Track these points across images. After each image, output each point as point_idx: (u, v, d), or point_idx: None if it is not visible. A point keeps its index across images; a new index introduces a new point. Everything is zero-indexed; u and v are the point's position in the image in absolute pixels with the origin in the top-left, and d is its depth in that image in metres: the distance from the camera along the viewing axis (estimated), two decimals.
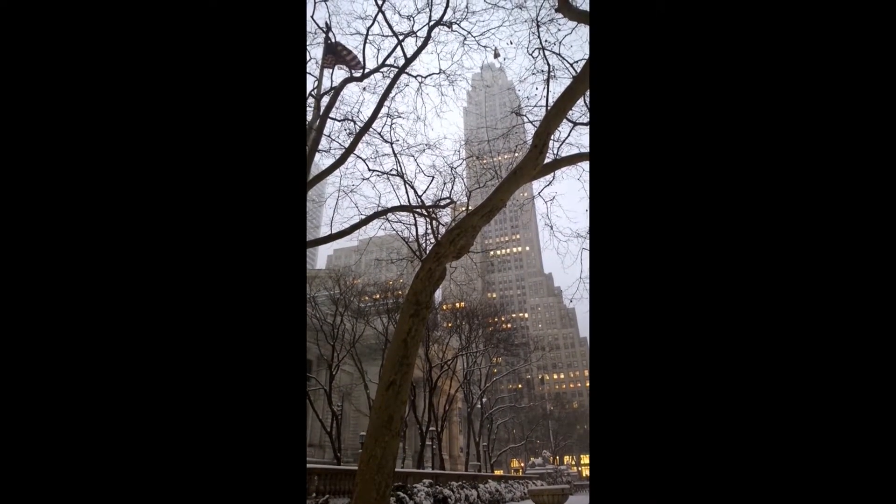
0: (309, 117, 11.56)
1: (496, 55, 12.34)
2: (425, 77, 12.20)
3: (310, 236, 15.71)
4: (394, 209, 12.83)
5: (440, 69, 12.09)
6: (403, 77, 11.66)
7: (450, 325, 35.65)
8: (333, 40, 12.12)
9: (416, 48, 11.36)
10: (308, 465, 12.66)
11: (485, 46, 11.79)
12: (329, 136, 12.48)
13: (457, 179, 13.82)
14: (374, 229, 13.35)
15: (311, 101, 11.98)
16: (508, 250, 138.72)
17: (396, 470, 5.69)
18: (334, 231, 11.86)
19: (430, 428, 29.61)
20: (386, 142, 12.49)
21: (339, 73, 12.57)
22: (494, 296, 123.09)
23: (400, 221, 13.96)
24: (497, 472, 44.48)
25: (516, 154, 13.66)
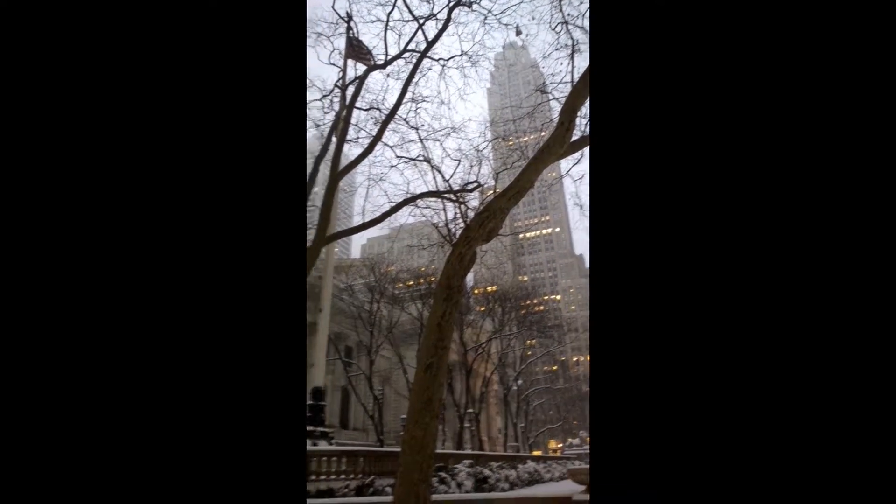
0: (336, 108, 11.67)
1: (518, 33, 12.08)
2: (447, 60, 12.09)
3: (342, 226, 15.99)
4: (422, 195, 12.90)
5: (462, 51, 11.95)
6: (426, 61, 11.60)
7: (482, 308, 35.76)
8: (356, 30, 12.14)
9: (436, 31, 11.26)
10: (353, 448, 13.12)
11: (506, 24, 11.56)
12: (357, 125, 12.60)
13: (483, 162, 13.74)
14: (404, 216, 13.50)
15: (337, 91, 12.09)
16: (538, 232, 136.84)
17: (436, 451, 5.83)
18: (366, 220, 12.06)
19: (468, 410, 30.00)
20: (412, 128, 12.51)
21: (363, 63, 12.61)
22: (526, 278, 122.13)
23: (429, 207, 14.04)
24: (535, 453, 44.76)
25: (543, 133, 13.42)
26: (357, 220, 12.43)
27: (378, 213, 12.15)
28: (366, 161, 11.86)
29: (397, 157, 12.83)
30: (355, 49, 12.60)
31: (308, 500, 8.83)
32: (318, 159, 11.55)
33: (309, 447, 12.49)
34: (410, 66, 11.50)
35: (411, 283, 32.80)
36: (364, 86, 11.96)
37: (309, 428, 13.87)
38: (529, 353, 43.86)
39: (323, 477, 11.00)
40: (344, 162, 11.69)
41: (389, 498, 6.34)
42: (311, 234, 11.72)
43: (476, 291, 37.66)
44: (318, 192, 13.00)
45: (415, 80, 11.53)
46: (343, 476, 11.24)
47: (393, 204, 12.28)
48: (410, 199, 12.48)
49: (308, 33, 12.55)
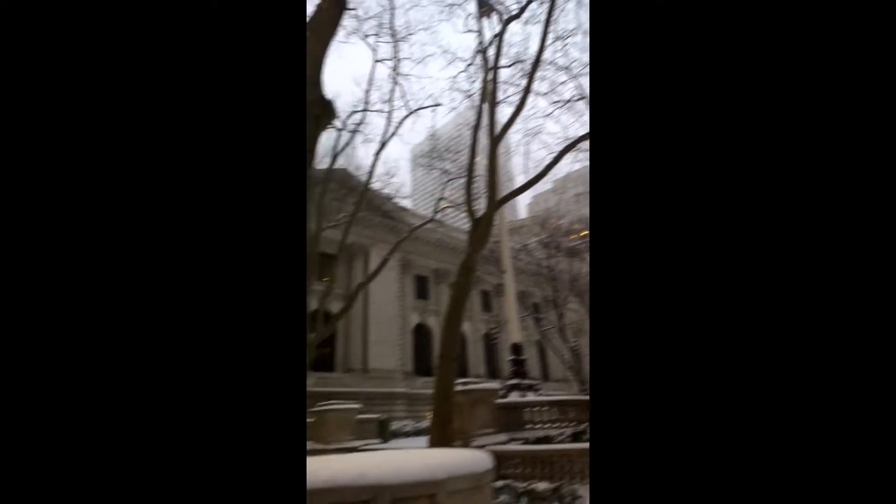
0: (481, 74, 11.73)
1: None
2: None
3: (506, 189, 16.22)
4: (583, 137, 12.16)
5: None
6: None
7: None
8: None
9: None
10: (561, 398, 13.56)
11: None
12: (506, 82, 12.47)
13: None
14: (567, 165, 12.95)
15: (479, 57, 12.12)
16: None
17: None
18: (530, 177, 11.99)
19: None
20: (561, 69, 11.82)
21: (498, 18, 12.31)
22: None
23: None
24: None
25: None
26: (520, 180, 12.45)
27: (540, 168, 11.95)
28: (519, 118, 11.71)
29: (552, 104, 12.32)
30: (487, 7, 12.37)
31: (527, 447, 9.52)
32: (476, 129, 11.85)
33: (519, 398, 13.37)
34: (547, 5, 10.78)
35: (585, 232, 31.57)
36: (504, 42, 11.72)
37: (515, 381, 14.82)
38: None
39: (538, 426, 11.70)
40: (499, 125, 11.75)
41: None
42: (481, 204, 12.20)
43: None
44: (480, 160, 13.40)
45: (553, 17, 10.80)
46: (556, 424, 11.76)
47: (554, 154, 11.91)
48: (571, 145, 11.91)
49: (440, 7, 12.78)
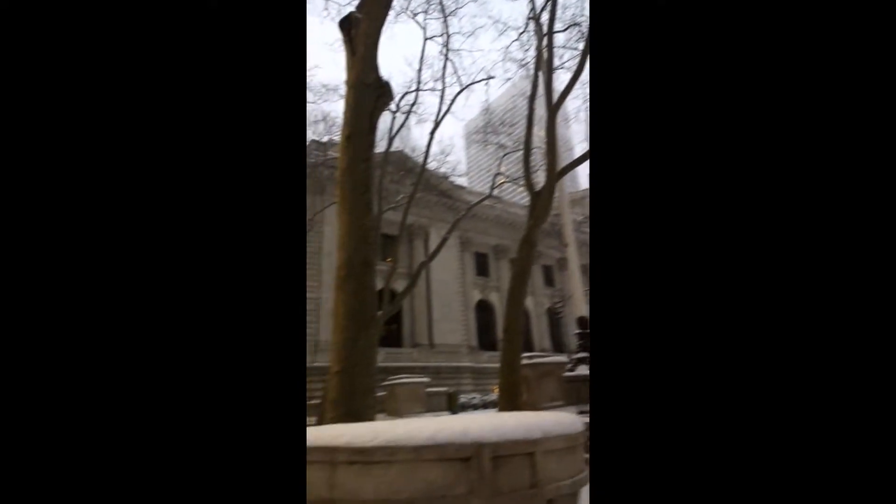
0: (535, 41, 11.34)
1: None
2: None
3: (565, 160, 15.76)
4: None
5: None
6: None
7: None
8: None
9: None
10: None
11: None
12: (563, 46, 11.97)
13: None
14: None
15: (532, 25, 11.72)
16: None
17: None
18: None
19: None
20: None
21: None
22: None
23: None
24: None
25: None
26: (580, 149, 12.02)
27: None
28: (578, 83, 11.25)
29: None
30: None
31: None
32: (531, 99, 11.52)
33: (587, 372, 13.23)
34: None
35: None
36: (558, 4, 11.21)
37: (582, 355, 14.65)
38: None
39: None
40: (556, 93, 11.35)
41: None
42: (540, 177, 11.95)
43: None
44: (537, 132, 13.07)
45: None
46: None
47: None
48: None
49: None
